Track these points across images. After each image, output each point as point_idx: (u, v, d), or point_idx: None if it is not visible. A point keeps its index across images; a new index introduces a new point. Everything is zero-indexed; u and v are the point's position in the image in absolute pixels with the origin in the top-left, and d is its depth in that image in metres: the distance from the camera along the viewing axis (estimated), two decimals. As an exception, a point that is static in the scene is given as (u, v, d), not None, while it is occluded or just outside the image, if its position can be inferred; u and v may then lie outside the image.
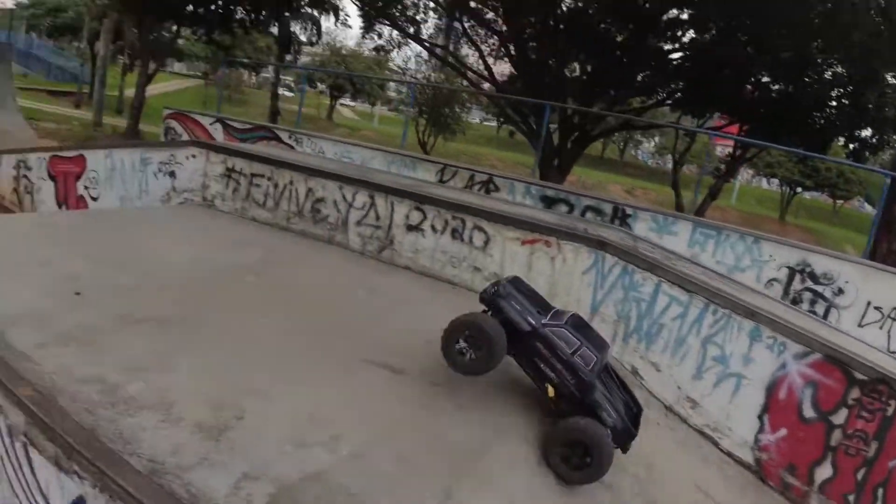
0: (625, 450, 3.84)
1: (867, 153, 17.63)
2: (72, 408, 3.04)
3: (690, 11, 16.79)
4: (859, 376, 4.24)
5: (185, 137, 13.26)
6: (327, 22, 26.77)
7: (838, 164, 32.90)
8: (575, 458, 3.65)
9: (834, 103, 16.50)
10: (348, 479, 2.94)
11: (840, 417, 4.31)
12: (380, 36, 22.04)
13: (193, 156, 7.77)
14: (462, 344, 3.94)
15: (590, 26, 18.06)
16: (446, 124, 27.73)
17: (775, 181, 44.67)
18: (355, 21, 39.96)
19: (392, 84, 42.81)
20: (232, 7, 21.67)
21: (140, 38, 22.99)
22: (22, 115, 21.41)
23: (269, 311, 4.65)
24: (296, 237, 6.63)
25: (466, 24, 21.41)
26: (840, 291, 6.79)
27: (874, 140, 16.82)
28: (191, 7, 21.05)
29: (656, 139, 49.87)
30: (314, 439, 3.18)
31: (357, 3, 21.24)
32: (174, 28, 24.34)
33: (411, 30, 21.61)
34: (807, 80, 15.93)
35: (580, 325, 4.10)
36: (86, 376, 3.33)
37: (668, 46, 18.80)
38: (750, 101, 17.84)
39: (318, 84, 44.79)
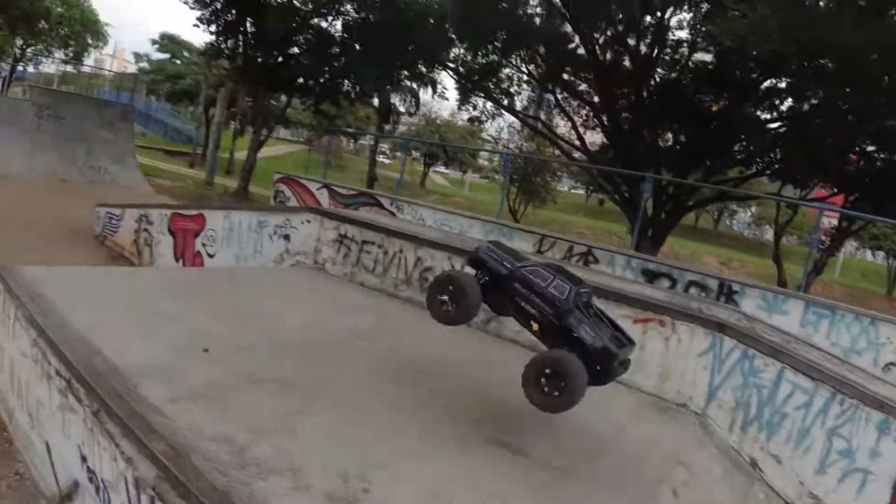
0: (607, 372, 4.06)
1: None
2: (204, 467, 3.07)
3: (788, 80, 16.44)
4: None
5: (293, 201, 14.00)
6: (425, 94, 28.05)
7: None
8: (549, 386, 3.89)
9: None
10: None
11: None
12: (475, 107, 22.75)
13: (308, 221, 8.17)
14: (443, 297, 4.38)
15: (684, 96, 18.00)
16: (537, 192, 27.96)
17: (881, 254, 41.91)
18: (452, 93, 41.62)
19: (483, 152, 43.93)
20: (339, 80, 23.18)
21: (254, 106, 24.85)
22: (141, 172, 23.10)
23: (384, 378, 4.72)
24: (403, 304, 6.75)
25: (559, 96, 21.81)
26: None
27: None
28: (301, 79, 22.70)
29: (753, 209, 48.15)
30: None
31: (454, 76, 22.19)
32: (285, 98, 26.23)
33: (505, 101, 22.22)
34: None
35: (556, 267, 4.41)
36: (216, 435, 3.38)
37: (765, 115, 18.39)
38: (854, 171, 17.04)
39: (413, 152, 46.66)
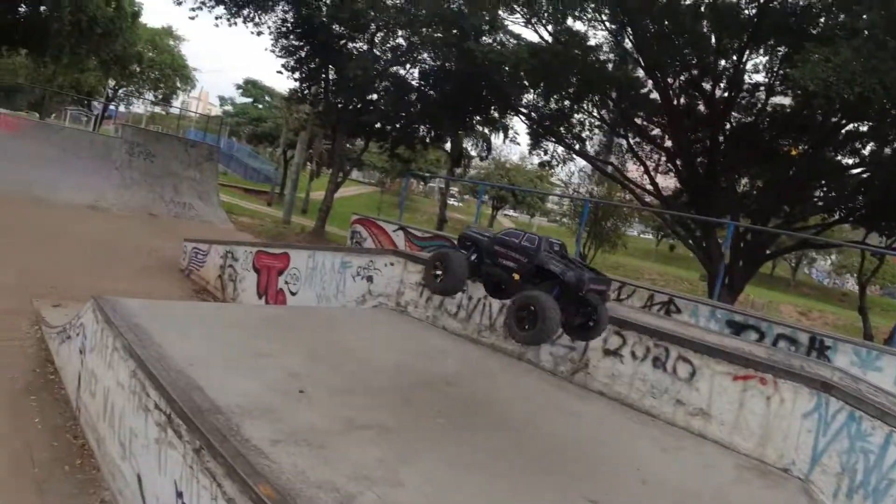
0: (583, 299, 4.83)
1: None
2: (312, 514, 3.00)
3: (870, 124, 15.85)
4: None
5: (370, 241, 14.32)
6: (496, 139, 28.49)
7: None
8: (525, 321, 4.59)
9: None
10: None
11: None
12: (546, 152, 22.88)
13: (392, 263, 8.34)
14: (437, 271, 5.32)
15: (761, 140, 17.60)
16: (607, 237, 27.68)
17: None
18: (523, 137, 42.04)
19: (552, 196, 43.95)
20: (415, 125, 23.88)
21: (333, 149, 25.82)
22: (223, 209, 24.09)
23: (476, 427, 4.71)
24: (487, 350, 6.75)
25: (632, 140, 21.72)
26: None
27: None
28: (379, 124, 23.51)
29: (833, 257, 46.01)
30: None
31: (526, 121, 22.47)
32: (361, 141, 27.15)
33: (577, 146, 22.28)
34: None
35: (528, 235, 5.25)
36: (321, 481, 3.31)
37: (847, 160, 17.75)
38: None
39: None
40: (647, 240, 50.04)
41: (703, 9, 16.78)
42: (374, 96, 23.68)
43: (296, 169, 29.90)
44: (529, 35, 21.36)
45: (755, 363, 4.92)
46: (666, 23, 16.46)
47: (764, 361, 4.94)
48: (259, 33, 22.83)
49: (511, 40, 20.56)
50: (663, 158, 21.13)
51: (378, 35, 22.40)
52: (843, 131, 17.05)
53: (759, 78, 18.06)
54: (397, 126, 23.80)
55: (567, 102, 20.60)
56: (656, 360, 5.44)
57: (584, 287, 4.78)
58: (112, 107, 46.18)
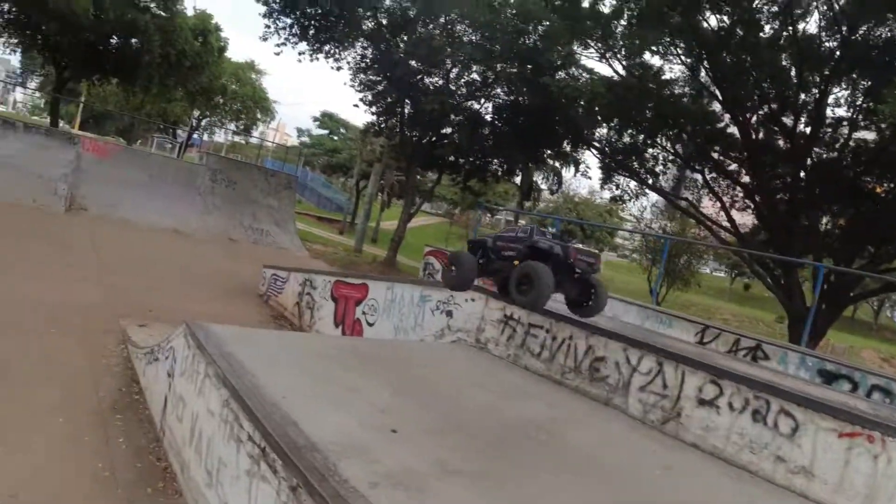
0: (570, 259, 6.83)
1: None
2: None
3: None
4: None
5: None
6: (567, 172, 28.40)
7: None
8: (524, 286, 6.61)
9: None
10: None
11: None
12: (617, 186, 22.62)
13: (472, 299, 8.33)
14: (452, 270, 7.60)
15: (845, 177, 16.86)
16: (680, 274, 26.96)
17: None
18: (594, 171, 41.79)
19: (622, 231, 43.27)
20: (488, 159, 24.15)
21: (406, 181, 26.38)
22: (299, 237, 24.87)
23: (568, 476, 4.62)
24: (571, 394, 6.63)
25: (707, 175, 21.20)
26: None
27: None
28: (452, 157, 23.92)
29: (920, 300, 43.20)
30: None
31: (598, 155, 22.32)
32: (433, 174, 27.62)
33: (650, 180, 21.94)
34: None
35: (522, 227, 6.77)
36: None
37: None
38: None
39: (550, 228, 47.01)
40: (720, 278, 48.33)
41: (782, 42, 16.39)
42: (449, 130, 24.10)
43: (368, 199, 30.62)
44: (602, 69, 21.38)
45: (862, 420, 4.70)
46: (744, 56, 16.13)
47: (872, 418, 4.73)
48: (339, 68, 23.68)
49: (584, 74, 20.57)
50: (741, 194, 20.47)
51: (454, 70, 22.86)
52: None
53: (842, 112, 17.45)
54: (470, 159, 24.13)
55: (641, 136, 20.37)
56: (756, 412, 5.21)
57: (571, 256, 6.59)
58: (195, 135, 48.81)
